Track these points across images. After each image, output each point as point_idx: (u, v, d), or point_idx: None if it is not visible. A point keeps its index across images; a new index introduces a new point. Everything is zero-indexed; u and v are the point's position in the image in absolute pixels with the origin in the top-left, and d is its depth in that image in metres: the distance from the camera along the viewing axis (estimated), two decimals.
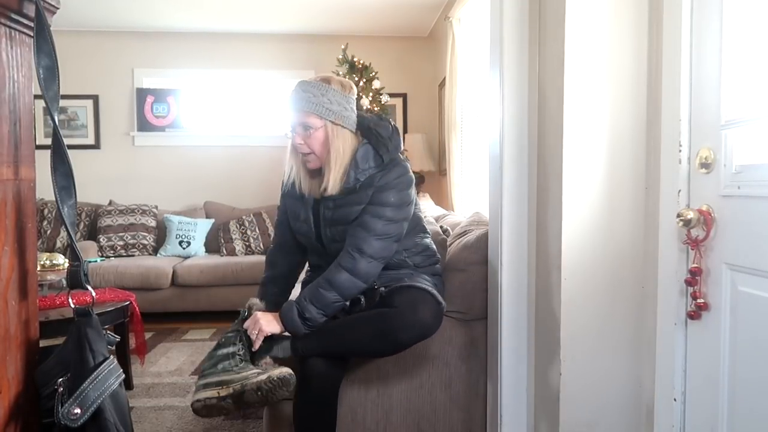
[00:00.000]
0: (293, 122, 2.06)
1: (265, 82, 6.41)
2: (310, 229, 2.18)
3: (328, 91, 2.04)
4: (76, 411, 1.23)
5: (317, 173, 2.13)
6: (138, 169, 6.27)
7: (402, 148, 2.17)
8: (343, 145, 2.06)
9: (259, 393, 1.83)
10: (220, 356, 1.98)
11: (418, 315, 1.95)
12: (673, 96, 1.67)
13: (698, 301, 1.58)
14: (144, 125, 6.25)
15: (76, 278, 1.34)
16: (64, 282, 2.39)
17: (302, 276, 2.47)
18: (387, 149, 2.10)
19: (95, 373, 1.28)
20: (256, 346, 2.02)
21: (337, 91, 2.06)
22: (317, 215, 2.16)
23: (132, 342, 3.49)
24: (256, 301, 2.21)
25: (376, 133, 2.10)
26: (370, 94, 5.38)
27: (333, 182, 2.05)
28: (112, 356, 1.36)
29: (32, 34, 1.30)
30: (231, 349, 1.97)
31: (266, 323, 2.02)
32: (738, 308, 1.48)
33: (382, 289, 2.08)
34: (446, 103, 5.31)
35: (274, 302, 2.20)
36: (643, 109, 1.85)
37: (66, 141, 1.33)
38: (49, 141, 1.32)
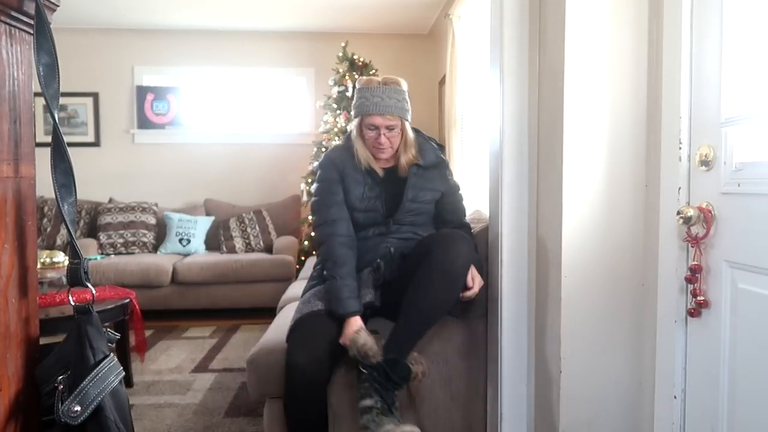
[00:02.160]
0: (377, 123, 2.21)
1: (266, 80, 6.41)
2: (381, 205, 2.29)
3: (404, 95, 2.27)
4: (76, 409, 1.23)
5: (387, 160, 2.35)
6: (138, 167, 6.27)
7: None
8: (411, 133, 2.31)
9: None
10: (361, 408, 1.98)
11: (456, 242, 2.09)
12: (673, 93, 1.67)
13: (698, 298, 1.58)
14: (144, 123, 6.25)
15: (76, 276, 1.34)
16: (64, 279, 2.40)
17: (311, 272, 2.46)
18: (435, 141, 2.44)
19: (95, 371, 1.28)
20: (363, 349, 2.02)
21: (406, 92, 2.30)
22: (388, 189, 2.30)
23: (132, 339, 3.49)
24: (360, 338, 2.09)
25: (417, 130, 2.39)
26: None
27: (407, 162, 2.29)
28: (112, 354, 1.36)
29: (32, 32, 1.30)
30: (368, 403, 1.97)
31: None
32: (738, 305, 1.48)
33: (391, 249, 2.25)
34: (446, 100, 5.31)
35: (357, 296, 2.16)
36: (643, 106, 1.85)
37: (66, 138, 1.33)
38: (49, 138, 1.32)
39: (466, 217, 2.53)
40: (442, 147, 2.45)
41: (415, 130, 2.37)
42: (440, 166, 2.37)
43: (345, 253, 2.20)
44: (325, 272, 2.23)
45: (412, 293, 2.06)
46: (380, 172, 2.30)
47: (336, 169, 2.28)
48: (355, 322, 2.09)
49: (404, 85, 2.29)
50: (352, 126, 2.32)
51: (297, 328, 2.12)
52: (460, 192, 2.46)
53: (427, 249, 2.10)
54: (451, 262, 2.04)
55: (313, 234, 2.34)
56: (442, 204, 2.39)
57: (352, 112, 2.32)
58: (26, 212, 1.35)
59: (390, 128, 2.22)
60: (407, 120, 2.28)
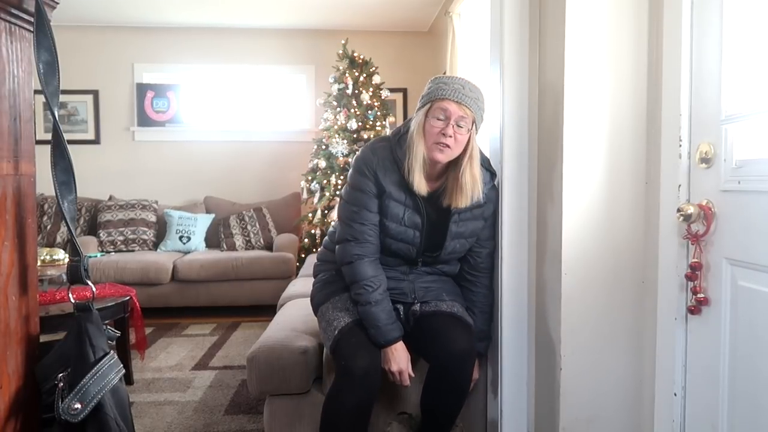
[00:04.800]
0: (451, 110, 1.92)
1: (266, 77, 6.40)
2: (418, 238, 2.07)
3: (483, 99, 2.01)
4: (76, 406, 1.24)
5: (433, 177, 2.06)
6: (138, 164, 6.26)
7: None
8: (477, 148, 2.03)
9: None
10: None
11: (467, 360, 2.02)
12: (674, 90, 1.67)
13: (698, 295, 1.58)
14: (144, 120, 6.24)
15: (76, 273, 1.35)
16: (65, 277, 2.40)
17: (311, 260, 2.43)
18: (489, 163, 2.16)
19: (95, 369, 1.29)
20: (406, 382, 2.00)
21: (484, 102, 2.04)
22: (429, 219, 2.07)
23: (132, 337, 3.49)
24: (393, 430, 2.15)
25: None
26: (371, 89, 5.38)
27: (469, 196, 2.00)
28: (112, 351, 1.37)
29: (32, 29, 1.30)
30: None
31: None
32: (738, 303, 1.48)
33: (417, 306, 2.15)
34: None
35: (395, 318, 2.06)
36: (643, 103, 1.85)
37: (66, 136, 1.33)
38: (49, 136, 1.32)
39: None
40: (494, 174, 2.15)
41: None
42: (487, 205, 2.11)
43: (376, 274, 2.03)
44: (354, 295, 2.04)
45: (430, 405, 2.08)
46: (424, 193, 2.01)
47: (375, 180, 2.02)
48: (401, 349, 1.99)
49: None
50: (413, 123, 2.00)
51: (345, 336, 1.97)
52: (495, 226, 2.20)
53: (438, 356, 2.01)
54: (465, 383, 2.03)
55: (336, 247, 2.10)
56: (474, 245, 2.17)
57: (419, 103, 2.01)
58: (26, 210, 1.35)
59: (460, 123, 1.93)
60: (479, 127, 2.02)
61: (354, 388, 1.89)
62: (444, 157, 1.96)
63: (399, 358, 1.98)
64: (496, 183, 2.16)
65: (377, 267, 2.05)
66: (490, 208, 2.13)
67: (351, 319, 2.02)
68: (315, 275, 2.33)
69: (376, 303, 1.99)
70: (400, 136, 2.04)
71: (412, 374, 2.00)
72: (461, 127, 1.94)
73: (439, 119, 1.93)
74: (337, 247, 2.11)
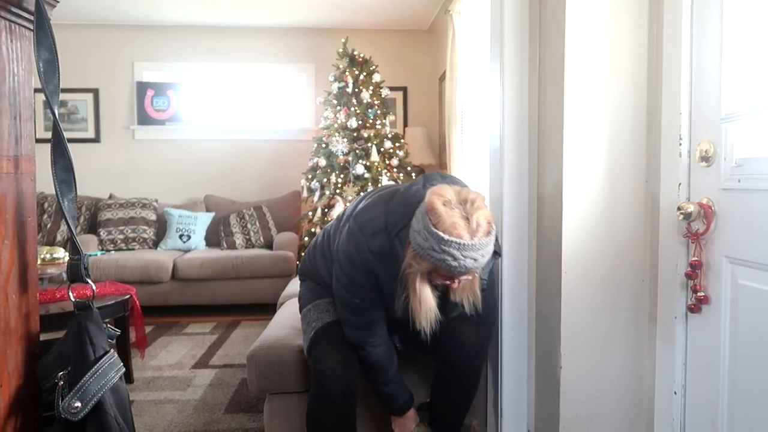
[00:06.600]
0: (458, 278, 1.69)
1: (266, 76, 6.40)
2: (408, 319, 1.85)
3: (495, 236, 1.69)
4: (76, 404, 1.24)
5: None
6: (138, 163, 6.27)
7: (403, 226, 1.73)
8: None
9: None
10: None
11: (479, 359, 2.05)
12: (674, 89, 1.67)
13: (698, 294, 1.58)
14: (144, 119, 6.24)
15: (76, 272, 1.35)
16: (65, 275, 2.40)
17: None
18: (499, 245, 2.04)
19: (96, 367, 1.29)
20: None
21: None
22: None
23: (132, 335, 3.49)
24: None
25: None
26: (371, 87, 5.37)
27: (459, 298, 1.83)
28: (112, 350, 1.37)
29: (32, 28, 1.30)
30: None
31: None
32: (738, 301, 1.48)
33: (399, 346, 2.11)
34: (446, 96, 5.30)
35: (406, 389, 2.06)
36: (643, 102, 1.85)
37: (66, 134, 1.33)
38: (49, 135, 1.32)
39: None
40: (497, 254, 1.87)
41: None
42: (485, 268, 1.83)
43: (391, 355, 1.98)
44: (369, 376, 1.98)
45: (440, 399, 2.09)
46: None
47: (372, 273, 1.82)
48: (410, 418, 2.07)
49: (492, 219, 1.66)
50: (411, 263, 1.69)
51: (320, 337, 1.97)
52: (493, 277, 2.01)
53: (449, 352, 1.99)
54: (474, 377, 2.05)
55: (344, 326, 1.96)
56: None
57: (418, 248, 1.63)
58: (26, 208, 1.35)
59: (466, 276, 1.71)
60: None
61: (327, 389, 1.91)
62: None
63: (407, 427, 2.07)
64: (497, 260, 2.01)
65: (390, 347, 2.00)
66: (487, 273, 1.91)
67: (329, 320, 2.02)
68: (300, 279, 2.29)
69: (389, 382, 2.00)
70: (399, 230, 1.73)
71: None
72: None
73: (444, 278, 1.70)
74: (344, 327, 1.97)
